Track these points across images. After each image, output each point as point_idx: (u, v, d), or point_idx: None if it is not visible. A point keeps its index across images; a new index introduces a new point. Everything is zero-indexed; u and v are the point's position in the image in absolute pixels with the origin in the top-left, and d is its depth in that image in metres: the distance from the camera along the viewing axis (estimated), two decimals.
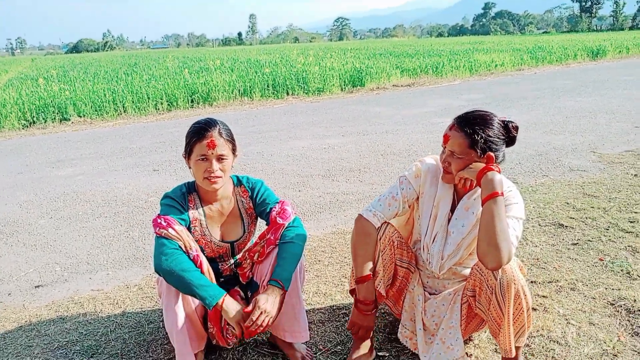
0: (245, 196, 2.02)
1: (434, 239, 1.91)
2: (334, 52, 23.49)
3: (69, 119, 9.16)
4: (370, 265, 1.89)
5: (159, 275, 1.77)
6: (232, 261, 2.06)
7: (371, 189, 4.35)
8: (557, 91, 10.32)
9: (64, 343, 2.21)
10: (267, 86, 11.56)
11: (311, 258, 3.02)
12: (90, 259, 3.16)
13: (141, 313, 2.45)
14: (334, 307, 2.45)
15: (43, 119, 9.05)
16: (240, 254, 2.08)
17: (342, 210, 3.86)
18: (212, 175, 1.81)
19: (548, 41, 28.08)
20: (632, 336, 2.16)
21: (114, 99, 9.84)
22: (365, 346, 2.00)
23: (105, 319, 2.40)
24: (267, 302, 1.72)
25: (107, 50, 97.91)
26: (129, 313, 2.46)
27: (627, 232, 3.17)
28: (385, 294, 1.94)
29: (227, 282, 2.05)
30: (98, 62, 28.85)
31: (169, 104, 10.36)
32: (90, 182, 4.89)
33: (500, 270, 1.66)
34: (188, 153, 1.83)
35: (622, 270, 2.69)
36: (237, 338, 2.03)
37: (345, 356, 2.05)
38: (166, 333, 2.09)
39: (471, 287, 1.82)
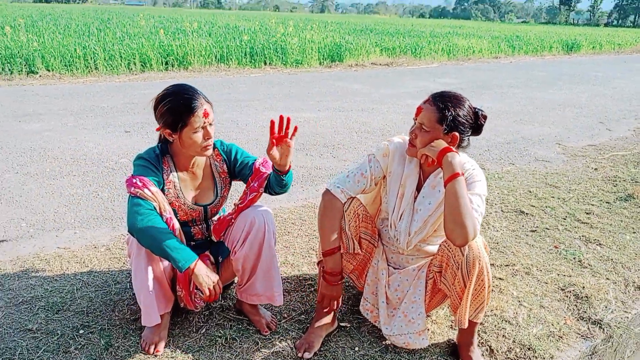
0: (218, 160, 2.04)
1: (401, 216, 1.98)
2: (315, 24, 23.17)
3: (37, 72, 8.82)
4: (336, 238, 1.95)
5: (132, 235, 1.79)
6: (204, 225, 2.09)
7: (343, 165, 4.40)
8: (530, 82, 10.53)
9: (29, 298, 2.21)
10: (245, 54, 11.37)
11: (281, 230, 3.07)
12: (57, 217, 3.13)
13: (108, 273, 2.47)
14: (301, 278, 2.52)
15: (9, 69, 8.69)
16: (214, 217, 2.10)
17: (313, 185, 3.91)
18: (210, 142, 1.85)
19: (526, 31, 28.37)
20: (578, 320, 2.31)
21: (85, 55, 9.51)
22: (328, 316, 2.08)
23: (72, 277, 2.41)
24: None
25: (78, 3, 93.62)
26: (95, 272, 2.47)
27: (582, 222, 3.34)
28: (355, 255, 2.02)
29: (199, 246, 2.08)
30: (69, 14, 27.62)
31: (142, 65, 10.08)
32: (59, 139, 4.78)
33: (467, 247, 1.76)
34: (180, 128, 1.79)
35: (574, 258, 2.85)
36: (205, 302, 2.08)
37: (308, 325, 2.13)
38: (133, 294, 2.12)
39: (438, 263, 1.92)
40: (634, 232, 3.23)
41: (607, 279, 2.65)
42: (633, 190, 3.89)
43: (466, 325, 1.87)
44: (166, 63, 10.45)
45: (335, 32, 17.87)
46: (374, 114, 6.62)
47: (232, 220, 2.00)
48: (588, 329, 2.25)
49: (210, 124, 1.84)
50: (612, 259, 2.86)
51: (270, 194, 2.01)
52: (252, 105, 6.84)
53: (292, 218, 3.25)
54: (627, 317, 2.36)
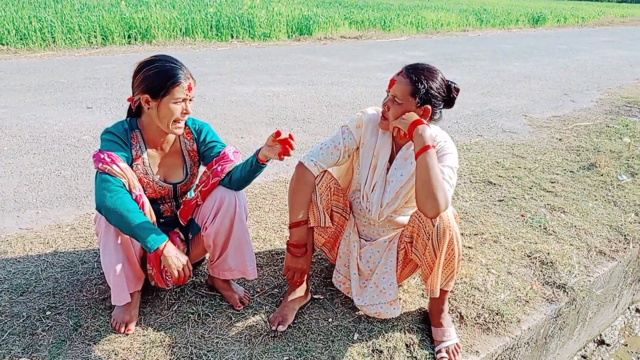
0: (189, 138, 1.99)
1: (374, 187, 1.98)
2: None
3: None
4: (305, 211, 1.95)
5: (100, 212, 1.73)
6: (174, 203, 2.04)
7: (314, 139, 4.37)
8: (497, 54, 10.63)
9: None
10: (211, 27, 11.06)
11: (252, 205, 3.04)
12: (18, 196, 3.01)
13: (74, 253, 2.40)
14: (273, 252, 2.51)
15: None
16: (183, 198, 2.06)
17: (284, 159, 3.87)
18: (184, 118, 1.80)
19: (493, 4, 28.50)
20: (543, 285, 2.38)
21: (42, 28, 9.07)
22: (301, 289, 2.08)
23: (36, 258, 2.33)
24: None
25: None
26: (61, 253, 2.39)
27: (547, 191, 3.42)
28: (327, 228, 2.02)
29: (168, 223, 2.04)
30: None
31: (103, 38, 9.69)
32: (17, 117, 4.57)
33: (438, 218, 1.77)
34: (162, 95, 1.74)
35: (539, 226, 2.92)
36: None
37: (281, 298, 2.13)
38: (101, 273, 2.08)
39: (409, 234, 1.93)
40: (596, 200, 3.34)
41: (571, 244, 2.74)
42: (595, 160, 4.00)
43: (438, 294, 1.90)
44: (129, 36, 10.07)
45: (304, 5, 17.55)
46: (344, 87, 6.58)
47: (199, 202, 1.96)
48: (553, 293, 2.33)
49: (190, 100, 1.81)
50: (575, 226, 2.95)
51: (225, 185, 1.91)
52: (220, 79, 6.69)
53: (263, 193, 3.22)
54: (590, 281, 2.45)
